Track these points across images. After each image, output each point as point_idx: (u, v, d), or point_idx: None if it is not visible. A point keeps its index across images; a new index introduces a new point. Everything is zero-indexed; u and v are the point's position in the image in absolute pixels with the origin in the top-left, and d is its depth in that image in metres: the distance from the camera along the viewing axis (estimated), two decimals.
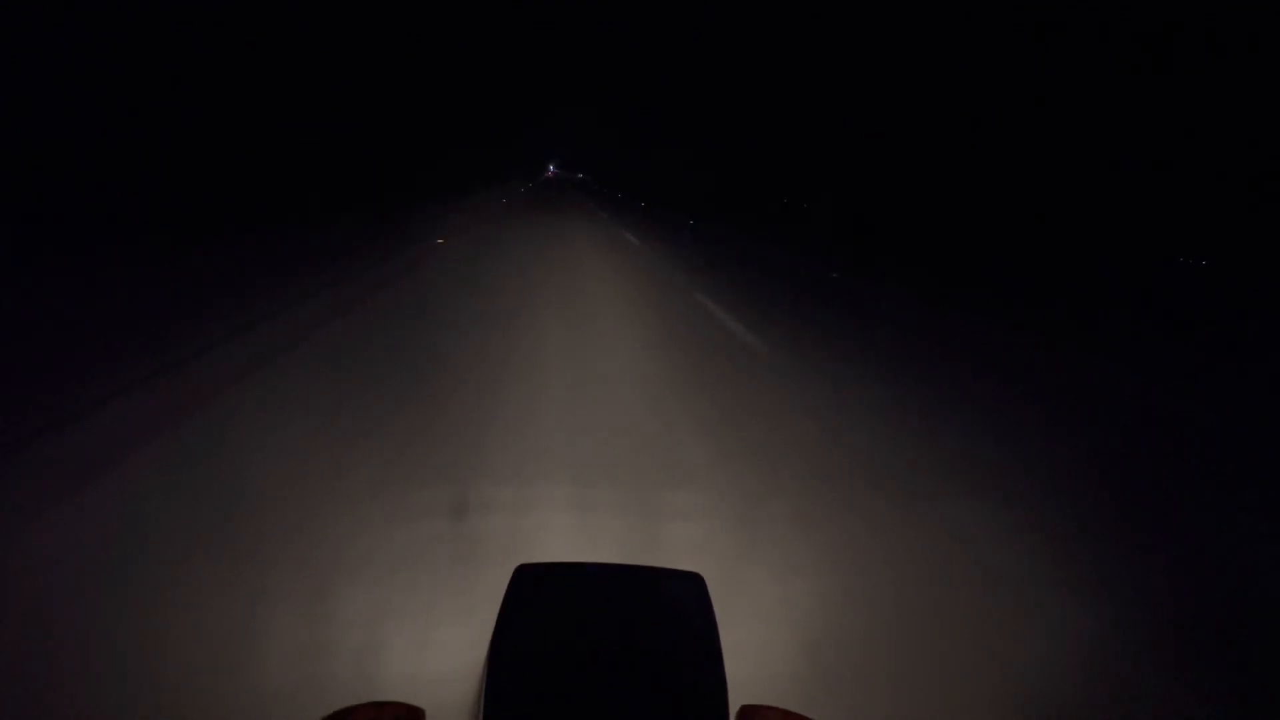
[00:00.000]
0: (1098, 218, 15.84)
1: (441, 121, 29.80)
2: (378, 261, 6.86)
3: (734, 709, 0.53)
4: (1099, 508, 2.66)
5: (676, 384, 3.66)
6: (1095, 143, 16.10)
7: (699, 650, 0.55)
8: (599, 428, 2.88)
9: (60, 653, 1.44)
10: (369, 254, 7.30)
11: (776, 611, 1.74)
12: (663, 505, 2.24)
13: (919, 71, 20.82)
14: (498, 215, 14.99)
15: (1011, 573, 2.08)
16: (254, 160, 11.80)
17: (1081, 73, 16.72)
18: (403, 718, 0.50)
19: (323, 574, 1.76)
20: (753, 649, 1.55)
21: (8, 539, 1.86)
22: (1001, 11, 18.16)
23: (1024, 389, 4.49)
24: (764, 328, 5.26)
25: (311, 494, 2.15)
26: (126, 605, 1.61)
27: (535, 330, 4.52)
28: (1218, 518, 2.78)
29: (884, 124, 21.83)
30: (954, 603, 1.88)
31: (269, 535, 1.90)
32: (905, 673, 1.58)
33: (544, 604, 0.59)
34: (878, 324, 6.30)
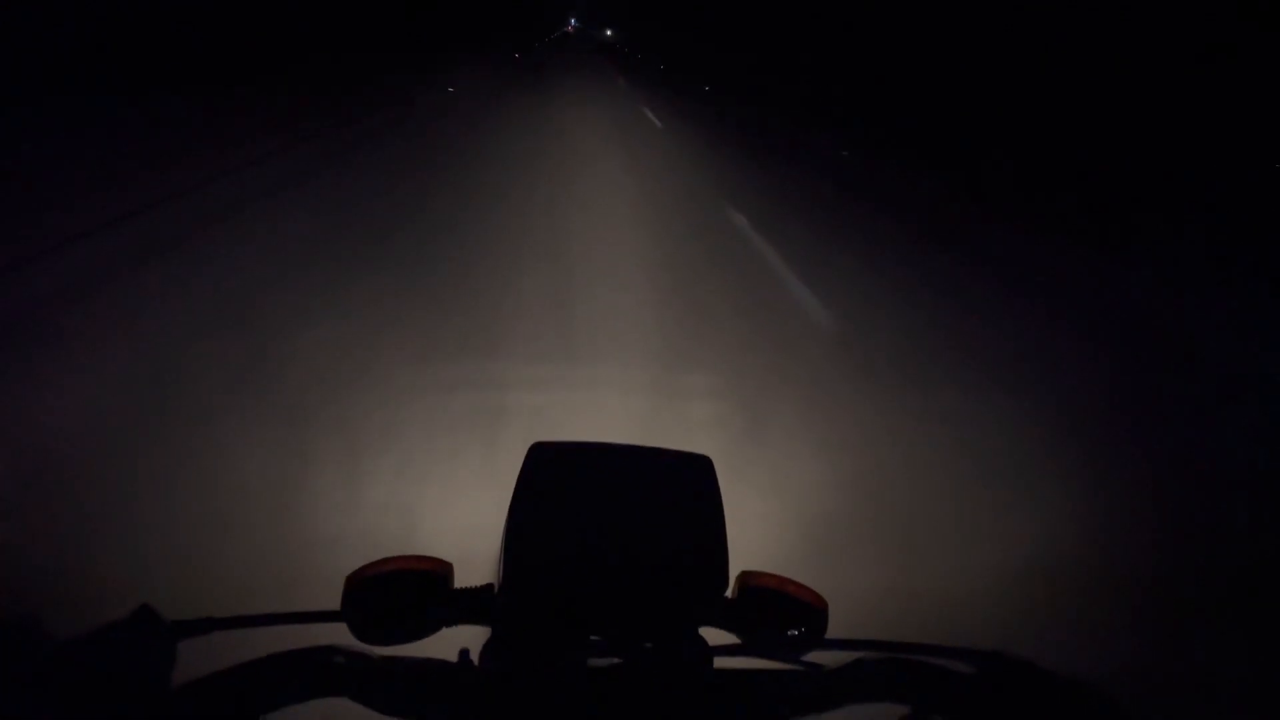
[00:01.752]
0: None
1: None
2: None
3: (733, 575, 0.57)
4: None
5: None
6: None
7: (704, 524, 0.59)
8: None
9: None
10: None
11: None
12: None
13: None
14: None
15: None
16: None
17: None
18: (431, 570, 0.53)
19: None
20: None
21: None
22: None
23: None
24: None
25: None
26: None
27: None
28: None
29: None
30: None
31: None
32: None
33: (558, 479, 0.62)
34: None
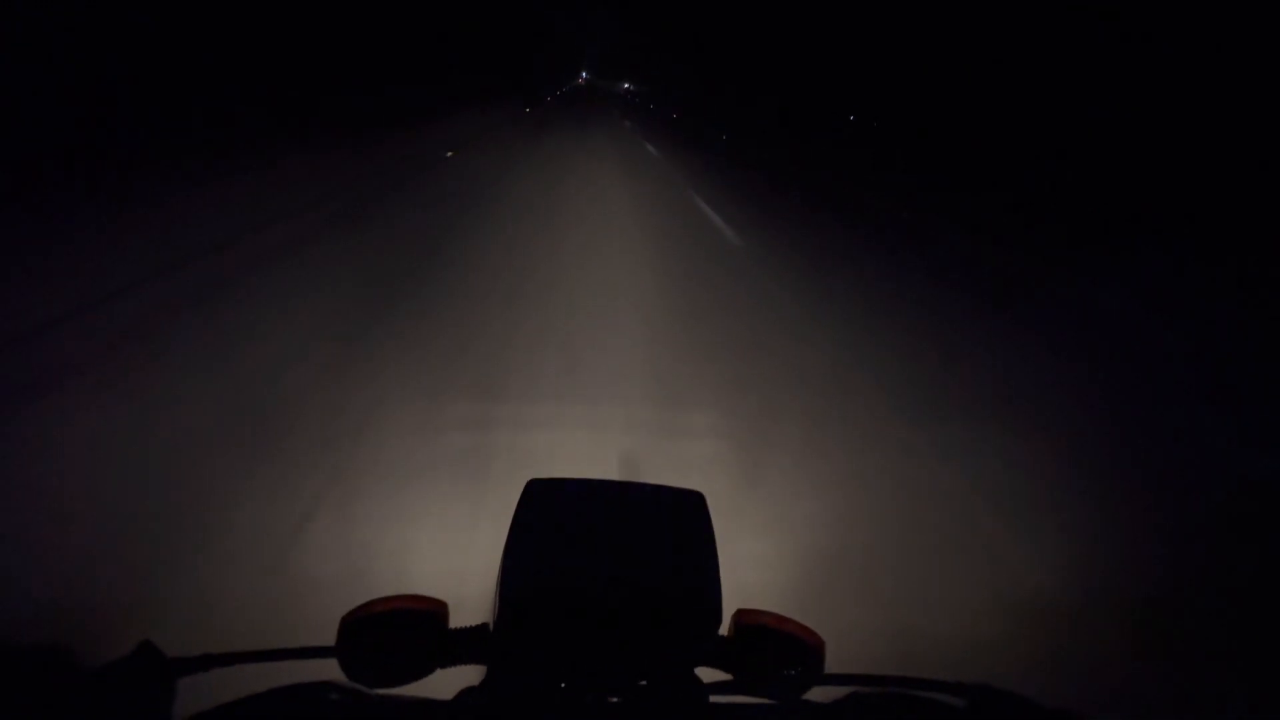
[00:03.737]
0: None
1: None
2: None
3: (729, 613, 0.56)
4: None
5: None
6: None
7: (697, 560, 0.59)
8: None
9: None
10: None
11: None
12: None
13: None
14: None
15: None
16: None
17: None
18: (426, 610, 0.54)
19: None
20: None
21: None
22: None
23: None
24: None
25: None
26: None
27: None
28: None
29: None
30: None
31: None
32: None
33: (553, 515, 0.63)
34: None
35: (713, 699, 0.54)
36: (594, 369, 2.91)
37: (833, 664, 0.53)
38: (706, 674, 0.55)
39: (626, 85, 79.47)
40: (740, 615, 0.57)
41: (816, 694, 0.51)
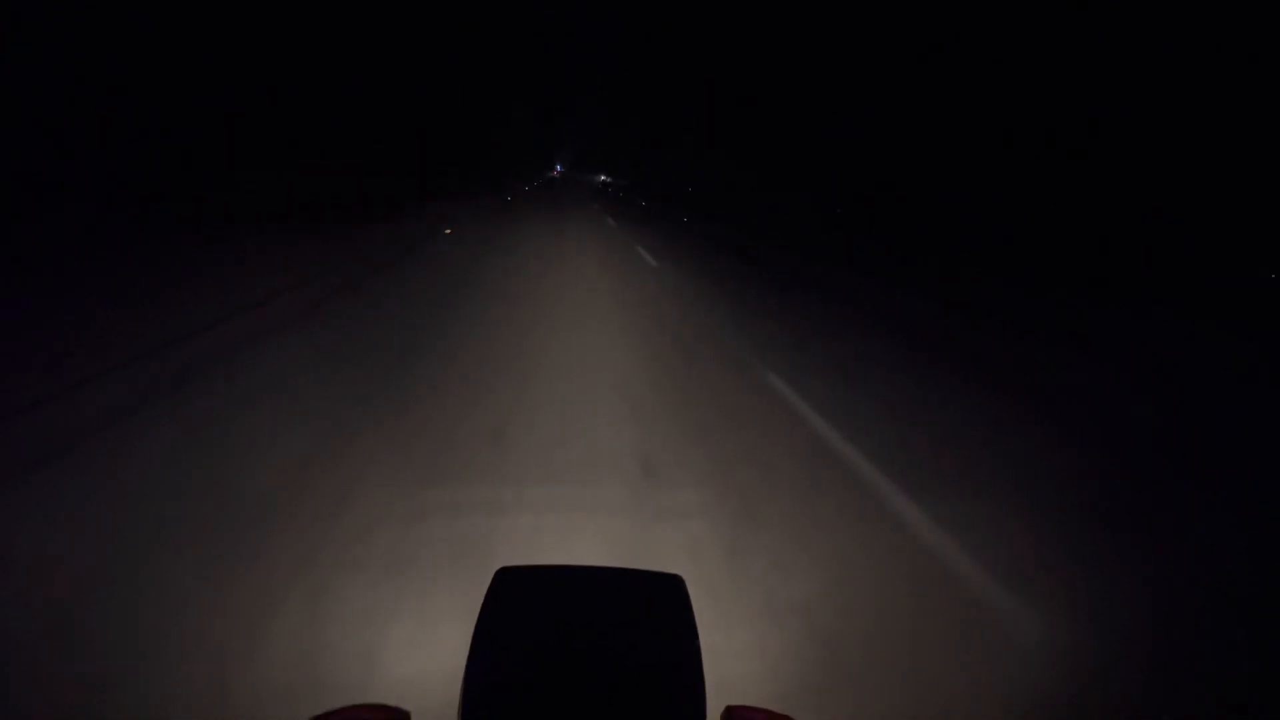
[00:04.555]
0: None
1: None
2: None
3: (719, 710, 0.55)
4: None
5: None
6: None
7: (678, 651, 0.56)
8: None
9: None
10: None
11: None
12: None
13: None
14: None
15: None
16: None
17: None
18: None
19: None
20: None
21: None
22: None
23: None
24: None
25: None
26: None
27: None
28: None
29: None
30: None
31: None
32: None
33: (524, 606, 0.60)
34: None
35: None
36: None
37: None
38: None
39: (602, 177, 78.81)
40: (730, 713, 0.55)
41: None
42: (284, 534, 2.02)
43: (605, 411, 3.30)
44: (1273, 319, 9.87)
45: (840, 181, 24.31)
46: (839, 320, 6.56)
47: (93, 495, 2.17)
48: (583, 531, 2.21)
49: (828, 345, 5.39)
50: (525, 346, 4.28)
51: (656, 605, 0.62)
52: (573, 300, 5.97)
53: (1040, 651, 1.86)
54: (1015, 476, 3.09)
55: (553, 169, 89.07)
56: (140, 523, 2.02)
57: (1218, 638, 2.06)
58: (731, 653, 1.71)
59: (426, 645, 1.64)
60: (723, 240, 14.81)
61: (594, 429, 3.06)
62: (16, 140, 7.88)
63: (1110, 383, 5.37)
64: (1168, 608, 2.20)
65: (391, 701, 0.62)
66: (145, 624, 1.64)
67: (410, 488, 2.36)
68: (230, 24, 12.27)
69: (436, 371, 3.65)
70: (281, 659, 1.57)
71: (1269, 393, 5.92)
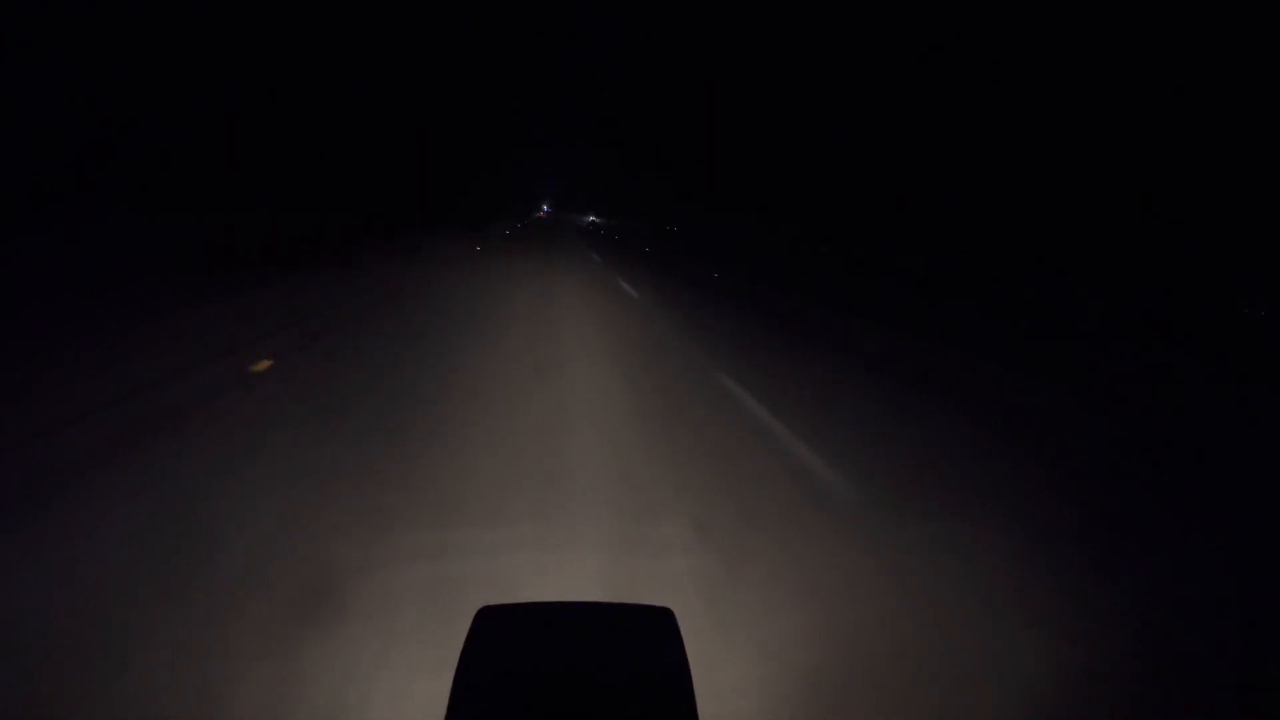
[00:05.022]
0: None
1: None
2: None
3: None
4: None
5: None
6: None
7: (669, 688, 0.53)
8: None
9: None
10: None
11: None
12: None
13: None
14: None
15: None
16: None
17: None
18: None
19: None
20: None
21: None
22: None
23: None
24: None
25: None
26: None
27: None
28: None
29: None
30: None
31: None
32: None
33: (507, 647, 0.57)
34: None
35: None
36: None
37: None
38: None
39: (591, 218, 72.44)
40: None
41: None
42: None
43: None
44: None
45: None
46: None
47: None
48: None
49: None
50: None
51: (646, 640, 0.59)
52: None
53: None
54: None
55: (539, 208, 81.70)
56: None
57: None
58: None
59: None
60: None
61: None
62: None
63: None
64: None
65: None
66: None
67: None
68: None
69: None
70: None
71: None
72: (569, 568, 2.11)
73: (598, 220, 67.05)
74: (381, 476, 2.66)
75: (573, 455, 3.03)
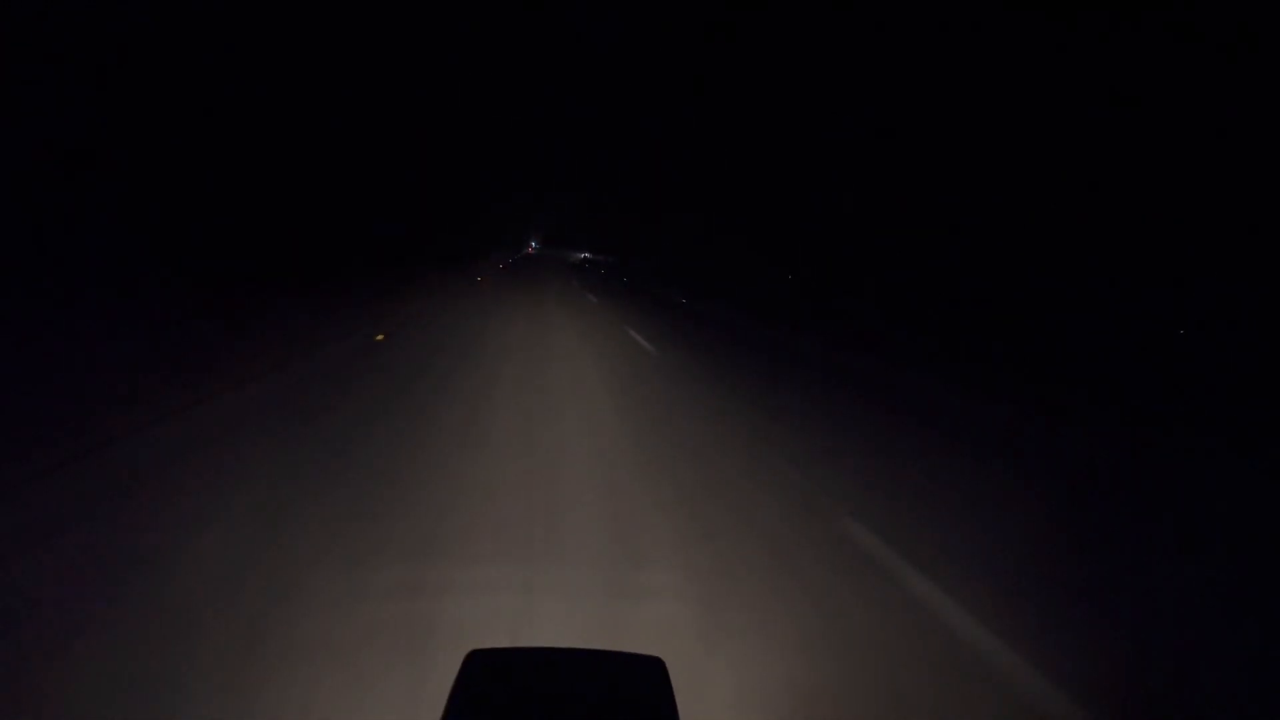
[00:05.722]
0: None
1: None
2: None
3: None
4: None
5: None
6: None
7: None
8: None
9: None
10: None
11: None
12: None
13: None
14: None
15: None
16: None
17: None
18: None
19: None
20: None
21: None
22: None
23: None
24: None
25: None
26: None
27: None
28: None
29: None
30: None
31: None
32: None
33: (496, 693, 0.57)
34: None
35: None
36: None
37: None
38: None
39: (584, 255, 68.42)
40: None
41: None
42: None
43: None
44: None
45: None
46: None
47: None
48: None
49: None
50: None
51: (636, 691, 0.59)
52: None
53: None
54: None
55: (527, 245, 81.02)
56: None
57: None
58: None
59: None
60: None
61: None
62: None
63: None
64: None
65: None
66: None
67: None
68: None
69: None
70: None
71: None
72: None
73: (588, 256, 63.05)
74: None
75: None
